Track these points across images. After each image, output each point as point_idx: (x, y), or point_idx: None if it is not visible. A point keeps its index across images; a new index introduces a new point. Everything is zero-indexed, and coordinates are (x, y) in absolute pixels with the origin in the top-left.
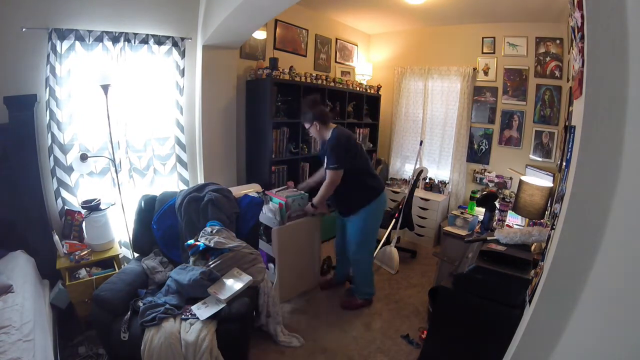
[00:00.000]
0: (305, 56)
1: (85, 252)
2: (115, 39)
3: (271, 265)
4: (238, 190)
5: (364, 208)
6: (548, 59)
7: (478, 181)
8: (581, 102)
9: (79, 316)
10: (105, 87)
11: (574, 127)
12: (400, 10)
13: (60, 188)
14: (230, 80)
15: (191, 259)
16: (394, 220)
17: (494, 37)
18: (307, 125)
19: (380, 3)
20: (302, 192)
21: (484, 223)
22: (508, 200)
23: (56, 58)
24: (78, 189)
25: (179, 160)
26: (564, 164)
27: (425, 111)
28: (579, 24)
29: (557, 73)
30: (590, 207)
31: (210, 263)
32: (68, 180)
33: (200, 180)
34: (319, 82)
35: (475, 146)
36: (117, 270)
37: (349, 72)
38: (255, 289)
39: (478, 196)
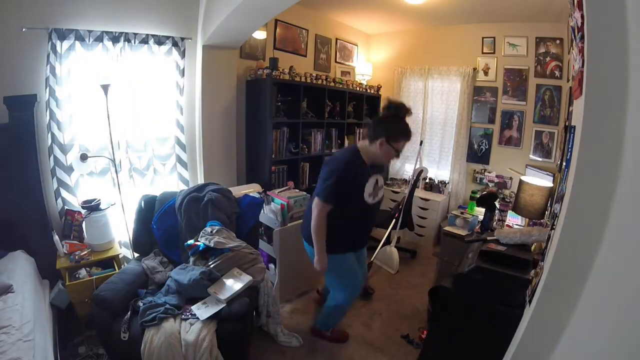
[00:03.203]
0: (305, 56)
1: (85, 252)
2: (115, 39)
3: (272, 265)
4: (238, 190)
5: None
6: (548, 59)
7: (478, 181)
8: (581, 102)
9: (79, 316)
10: (105, 87)
11: (574, 127)
12: (400, 10)
13: (60, 188)
14: (230, 80)
15: (191, 259)
16: (394, 220)
17: (494, 37)
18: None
19: (380, 3)
20: (305, 193)
21: (484, 223)
22: (508, 200)
23: (56, 58)
24: (78, 189)
25: (179, 160)
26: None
27: (425, 111)
28: (579, 24)
29: (557, 73)
30: (590, 207)
31: (210, 263)
32: (68, 180)
33: (200, 180)
34: (319, 82)
35: (475, 146)
36: (117, 270)
37: (349, 72)
38: (255, 289)
39: (478, 196)
